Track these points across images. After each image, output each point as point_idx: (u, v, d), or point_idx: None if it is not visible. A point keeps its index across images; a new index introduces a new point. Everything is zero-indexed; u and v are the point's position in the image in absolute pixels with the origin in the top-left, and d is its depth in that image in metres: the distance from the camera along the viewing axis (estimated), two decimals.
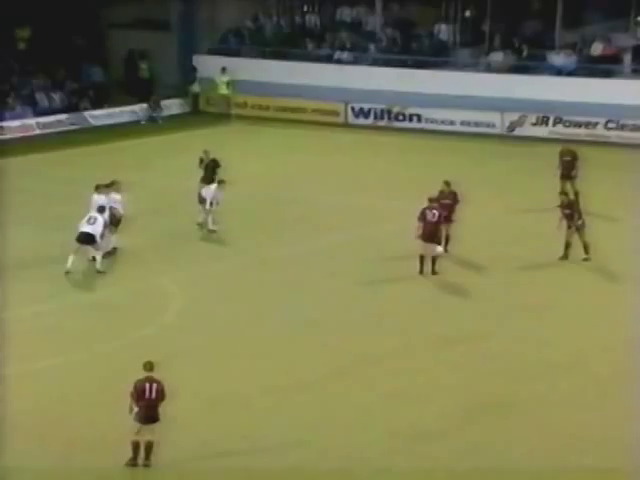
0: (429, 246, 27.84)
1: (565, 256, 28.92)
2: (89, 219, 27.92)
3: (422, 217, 27.77)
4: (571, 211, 28.93)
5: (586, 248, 28.93)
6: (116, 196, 29.35)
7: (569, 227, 28.87)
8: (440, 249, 27.91)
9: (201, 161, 33.36)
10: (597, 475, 18.76)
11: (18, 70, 48.11)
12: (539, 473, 18.84)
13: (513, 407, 21.29)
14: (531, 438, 19.90)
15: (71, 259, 27.75)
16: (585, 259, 28.86)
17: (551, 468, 18.91)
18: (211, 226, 31.10)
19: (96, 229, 27.77)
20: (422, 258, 27.95)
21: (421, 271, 27.99)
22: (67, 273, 27.69)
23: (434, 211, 27.86)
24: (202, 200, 31.24)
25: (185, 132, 45.92)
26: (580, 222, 28.77)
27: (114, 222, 29.14)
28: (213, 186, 31.20)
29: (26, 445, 19.44)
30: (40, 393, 21.43)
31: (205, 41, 50.74)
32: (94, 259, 28.27)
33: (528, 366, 23.04)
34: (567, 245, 28.91)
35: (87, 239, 27.76)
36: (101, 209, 28.27)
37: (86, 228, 27.78)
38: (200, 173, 32.83)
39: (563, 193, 30.18)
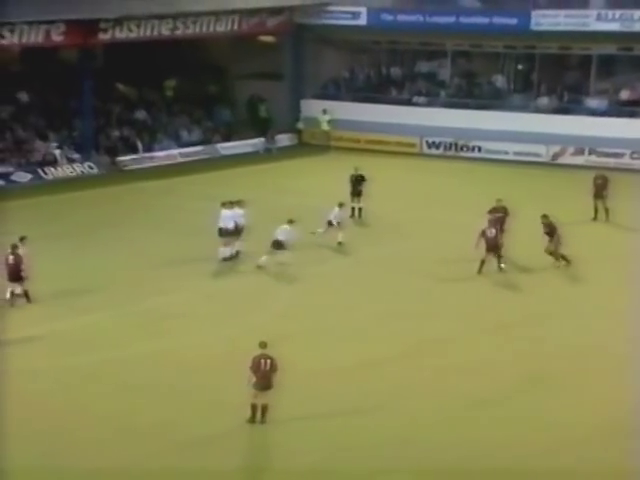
0: (489, 255, 27.75)
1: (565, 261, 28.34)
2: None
3: (483, 234, 27.69)
4: (550, 230, 28.31)
5: (556, 257, 28.28)
6: (240, 211, 29.51)
7: (550, 241, 28.30)
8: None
9: (351, 178, 33.60)
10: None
11: (166, 112, 48.62)
12: (582, 438, 18.49)
13: (554, 381, 20.97)
14: (571, 407, 19.58)
15: (223, 250, 28.60)
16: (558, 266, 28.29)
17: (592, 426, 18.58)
18: (340, 239, 30.80)
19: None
20: (482, 262, 27.70)
21: (480, 271, 27.72)
22: (224, 260, 28.54)
23: (492, 229, 27.76)
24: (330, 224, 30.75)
25: (293, 160, 45.91)
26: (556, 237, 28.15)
27: (239, 231, 29.35)
28: (336, 209, 30.87)
29: (174, 403, 19.59)
30: (180, 364, 21.61)
31: (310, 88, 50.72)
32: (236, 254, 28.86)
33: (567, 348, 22.69)
34: (550, 254, 28.29)
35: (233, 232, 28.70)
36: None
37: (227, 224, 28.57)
38: (349, 188, 33.24)
39: (544, 216, 28.87)
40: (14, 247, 25.15)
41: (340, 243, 30.60)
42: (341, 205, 31.09)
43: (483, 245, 27.76)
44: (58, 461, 17.39)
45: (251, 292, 26.62)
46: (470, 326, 24.16)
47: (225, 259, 28.78)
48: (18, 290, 25.05)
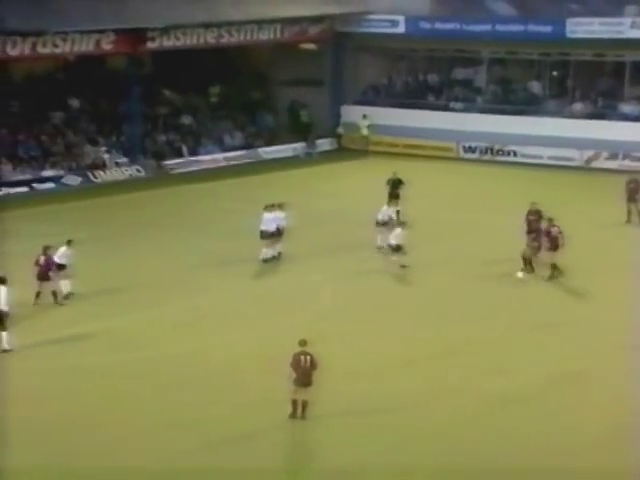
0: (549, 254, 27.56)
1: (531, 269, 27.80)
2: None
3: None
4: (537, 235, 28.03)
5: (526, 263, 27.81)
6: (281, 213, 29.53)
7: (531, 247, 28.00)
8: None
9: (388, 181, 33.58)
10: None
11: (210, 117, 48.80)
12: (610, 436, 18.32)
13: (584, 379, 20.78)
14: (600, 406, 19.38)
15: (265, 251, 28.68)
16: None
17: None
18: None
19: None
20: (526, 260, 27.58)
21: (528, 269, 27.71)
22: (265, 262, 28.66)
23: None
24: (383, 223, 30.54)
25: (333, 164, 45.92)
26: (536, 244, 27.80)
27: (280, 233, 29.32)
28: (385, 208, 30.88)
29: (216, 400, 19.64)
30: (221, 362, 21.67)
31: (350, 94, 50.67)
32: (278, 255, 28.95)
33: (599, 348, 22.48)
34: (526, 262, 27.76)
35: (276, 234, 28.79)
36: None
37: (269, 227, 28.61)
38: (386, 191, 33.04)
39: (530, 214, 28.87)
40: (46, 248, 25.37)
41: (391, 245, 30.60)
42: (390, 204, 31.20)
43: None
44: (99, 457, 17.45)
45: (292, 292, 26.63)
46: (504, 326, 24.01)
47: (266, 260, 28.83)
48: (62, 288, 25.32)
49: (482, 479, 16.94)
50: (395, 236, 28.55)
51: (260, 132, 49.01)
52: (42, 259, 25.11)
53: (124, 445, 17.74)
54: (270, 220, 28.93)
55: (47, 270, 25.01)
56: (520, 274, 26.54)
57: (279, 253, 29.38)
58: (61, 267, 25.57)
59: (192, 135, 46.84)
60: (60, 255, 25.61)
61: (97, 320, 23.98)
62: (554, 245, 27.22)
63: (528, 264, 27.61)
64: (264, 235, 28.90)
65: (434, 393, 20.11)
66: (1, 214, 35.03)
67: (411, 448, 17.78)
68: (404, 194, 33.67)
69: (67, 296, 25.37)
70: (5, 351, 21.67)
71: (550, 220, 27.86)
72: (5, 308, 21.79)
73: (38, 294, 24.97)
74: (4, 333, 21.85)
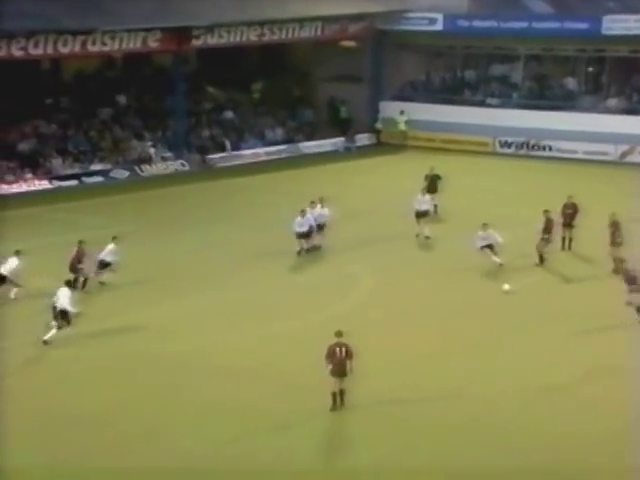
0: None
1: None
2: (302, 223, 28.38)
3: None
4: (549, 235, 28.01)
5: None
6: (322, 210, 29.54)
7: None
8: None
9: (426, 176, 33.50)
10: None
11: (252, 113, 48.88)
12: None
13: (619, 373, 20.57)
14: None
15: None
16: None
17: None
18: (427, 233, 30.63)
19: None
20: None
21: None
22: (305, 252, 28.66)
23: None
24: (420, 214, 30.55)
25: (371, 158, 45.79)
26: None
27: (321, 228, 29.34)
28: (420, 196, 30.84)
29: (258, 388, 19.69)
30: (263, 351, 21.72)
31: (388, 90, 50.53)
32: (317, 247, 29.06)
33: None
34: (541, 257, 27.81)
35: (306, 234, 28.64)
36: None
37: (302, 228, 28.39)
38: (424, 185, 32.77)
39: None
40: (80, 242, 25.49)
41: (427, 237, 30.52)
42: (423, 191, 31.12)
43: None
44: (147, 440, 17.60)
45: (330, 284, 26.62)
46: (541, 317, 23.82)
47: (300, 253, 28.63)
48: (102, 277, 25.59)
49: (516, 472, 16.80)
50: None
51: (300, 127, 49.01)
52: (74, 251, 25.24)
53: (171, 430, 17.86)
54: (302, 223, 28.70)
55: (78, 263, 25.15)
56: (506, 286, 24.92)
57: (319, 245, 29.35)
58: (106, 265, 25.73)
59: (235, 130, 46.95)
60: (106, 252, 25.74)
61: (141, 309, 24.12)
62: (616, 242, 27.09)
63: (541, 257, 27.62)
64: (297, 236, 28.82)
65: (470, 384, 20.00)
66: (52, 206, 35.50)
67: (446, 439, 17.67)
68: (441, 189, 33.55)
69: (102, 283, 25.53)
70: (45, 343, 21.85)
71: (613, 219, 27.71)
72: (68, 307, 21.92)
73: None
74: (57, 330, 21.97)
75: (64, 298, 21.98)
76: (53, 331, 21.87)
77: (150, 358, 21.28)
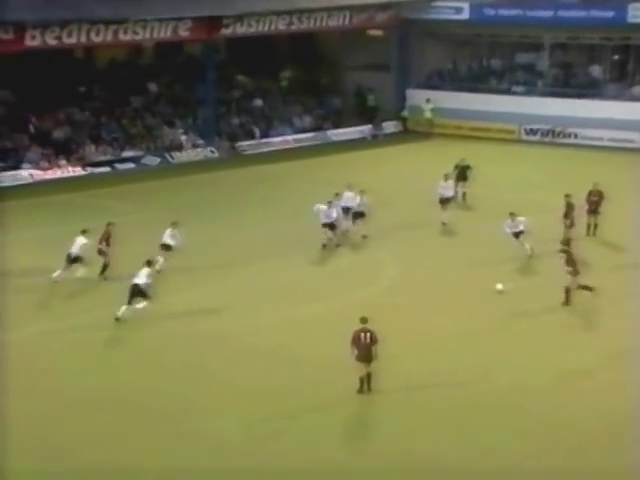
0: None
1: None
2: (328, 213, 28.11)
3: None
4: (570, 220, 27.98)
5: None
6: (350, 193, 29.48)
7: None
8: None
9: (456, 166, 33.39)
10: None
11: (281, 100, 48.83)
12: None
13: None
14: None
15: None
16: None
17: None
18: (445, 219, 30.48)
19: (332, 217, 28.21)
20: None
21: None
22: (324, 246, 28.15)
23: None
24: (444, 201, 30.47)
25: (398, 146, 45.64)
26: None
27: (360, 215, 29.07)
28: (443, 182, 30.74)
29: (288, 369, 19.72)
30: (294, 333, 21.75)
31: (415, 78, 50.31)
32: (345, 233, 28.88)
33: None
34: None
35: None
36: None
37: (329, 219, 27.98)
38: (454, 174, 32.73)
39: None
40: (109, 225, 25.55)
41: (444, 223, 30.43)
42: (446, 176, 30.98)
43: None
44: (178, 421, 17.69)
45: (358, 269, 26.63)
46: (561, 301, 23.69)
47: (325, 245, 28.35)
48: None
49: (544, 455, 16.75)
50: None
51: (328, 115, 48.92)
52: (102, 234, 25.25)
53: (200, 410, 17.96)
54: (328, 212, 28.20)
55: (103, 245, 25.20)
56: (499, 286, 23.72)
57: (346, 231, 29.17)
58: (168, 247, 25.66)
59: (264, 118, 46.93)
60: (167, 235, 25.73)
61: (174, 293, 24.18)
62: None
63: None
64: (323, 225, 28.28)
65: (497, 367, 19.93)
66: (85, 192, 35.69)
67: (473, 423, 17.64)
68: (471, 178, 33.44)
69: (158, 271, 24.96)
70: (117, 319, 22.04)
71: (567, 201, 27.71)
72: (141, 281, 22.01)
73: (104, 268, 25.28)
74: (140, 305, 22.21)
75: (143, 277, 22.03)
76: (134, 307, 22.03)
77: (179, 339, 21.39)
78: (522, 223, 27.11)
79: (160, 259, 25.30)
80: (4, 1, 34.33)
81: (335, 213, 28.48)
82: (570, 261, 23.32)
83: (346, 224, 29.31)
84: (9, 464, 15.87)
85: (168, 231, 26.01)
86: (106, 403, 18.24)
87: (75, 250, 24.75)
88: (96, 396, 18.49)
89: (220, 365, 20.04)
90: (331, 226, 28.34)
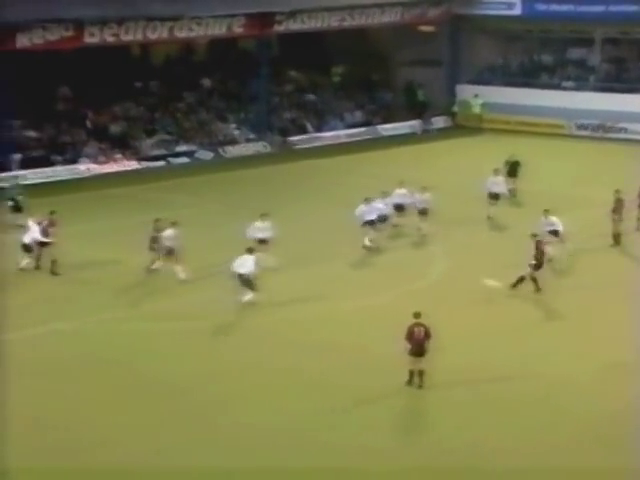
0: None
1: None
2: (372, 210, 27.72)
3: None
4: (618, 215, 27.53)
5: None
6: (402, 190, 29.41)
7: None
8: None
9: (506, 162, 33.28)
10: None
11: (332, 96, 48.89)
12: None
13: None
14: None
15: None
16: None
17: None
18: (491, 214, 30.41)
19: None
20: None
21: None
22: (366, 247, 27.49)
23: None
24: (492, 196, 30.35)
25: (448, 141, 45.47)
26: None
27: (424, 212, 28.88)
28: (493, 178, 30.61)
29: (335, 362, 19.81)
30: (343, 326, 21.80)
31: (465, 74, 50.06)
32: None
33: None
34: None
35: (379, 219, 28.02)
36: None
37: (370, 216, 27.52)
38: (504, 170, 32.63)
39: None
40: (156, 221, 25.14)
41: (489, 217, 30.34)
42: (496, 172, 30.78)
43: None
44: (227, 411, 17.86)
45: (408, 263, 26.64)
46: (612, 295, 23.50)
47: (366, 247, 27.57)
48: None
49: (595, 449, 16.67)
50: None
51: (379, 110, 48.89)
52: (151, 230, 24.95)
53: (252, 402, 18.12)
54: (368, 212, 27.46)
55: (152, 242, 24.92)
56: (490, 282, 23.42)
57: (424, 234, 28.47)
58: (263, 241, 25.17)
59: (315, 113, 47.05)
60: (257, 229, 25.22)
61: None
62: None
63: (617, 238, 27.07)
64: (363, 225, 27.42)
65: (545, 362, 19.86)
66: (140, 186, 36.12)
67: (523, 418, 17.57)
68: (521, 174, 33.25)
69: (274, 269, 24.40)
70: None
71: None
72: (244, 270, 22.03)
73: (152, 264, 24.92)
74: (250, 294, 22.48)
75: (247, 265, 22.07)
76: (246, 297, 22.34)
77: (232, 332, 21.58)
78: (555, 222, 26.34)
79: (263, 255, 24.12)
80: (66, 0, 34.89)
81: (376, 212, 27.52)
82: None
83: (397, 219, 29.19)
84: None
85: (257, 224, 25.31)
86: (155, 390, 18.48)
87: (169, 242, 24.36)
88: (140, 384, 18.77)
89: (271, 357, 20.15)
90: (371, 223, 27.37)
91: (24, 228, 25.73)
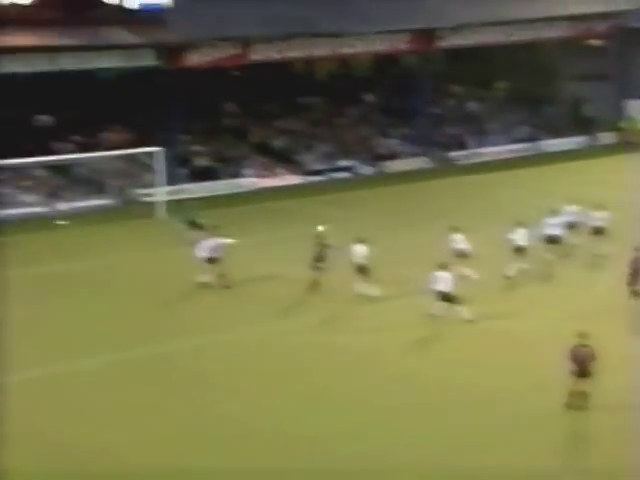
0: None
1: None
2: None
3: None
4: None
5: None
6: (572, 207, 28.07)
7: None
8: None
9: None
10: None
11: (496, 111, 47.97)
12: None
13: None
14: None
15: None
16: None
17: None
18: None
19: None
20: None
21: None
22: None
23: None
24: None
25: (614, 157, 43.78)
26: None
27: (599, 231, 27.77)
28: None
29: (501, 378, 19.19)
30: (508, 343, 21.16)
31: (635, 89, 48.21)
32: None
33: None
34: None
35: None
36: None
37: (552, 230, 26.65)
38: None
39: None
40: (318, 236, 24.89)
41: None
42: None
43: None
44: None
45: (573, 281, 25.63)
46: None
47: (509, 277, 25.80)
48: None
49: None
50: None
51: (543, 125, 47.67)
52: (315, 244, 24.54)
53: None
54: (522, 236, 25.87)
55: (317, 260, 24.47)
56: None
57: (603, 255, 27.20)
58: (462, 254, 25.04)
59: (477, 128, 46.31)
60: (458, 241, 25.32)
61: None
62: None
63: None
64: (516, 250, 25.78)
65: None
66: (302, 200, 36.37)
67: None
68: None
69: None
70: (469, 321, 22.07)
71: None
72: (444, 288, 21.86)
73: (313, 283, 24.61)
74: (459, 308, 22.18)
75: (444, 282, 21.92)
76: (462, 312, 22.04)
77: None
78: None
79: (460, 268, 24.08)
80: (234, 18, 35.62)
81: (527, 237, 25.88)
82: None
83: (574, 239, 27.81)
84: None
85: (457, 236, 25.43)
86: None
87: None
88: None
89: (445, 373, 19.75)
90: (520, 251, 25.72)
91: (200, 243, 25.87)
